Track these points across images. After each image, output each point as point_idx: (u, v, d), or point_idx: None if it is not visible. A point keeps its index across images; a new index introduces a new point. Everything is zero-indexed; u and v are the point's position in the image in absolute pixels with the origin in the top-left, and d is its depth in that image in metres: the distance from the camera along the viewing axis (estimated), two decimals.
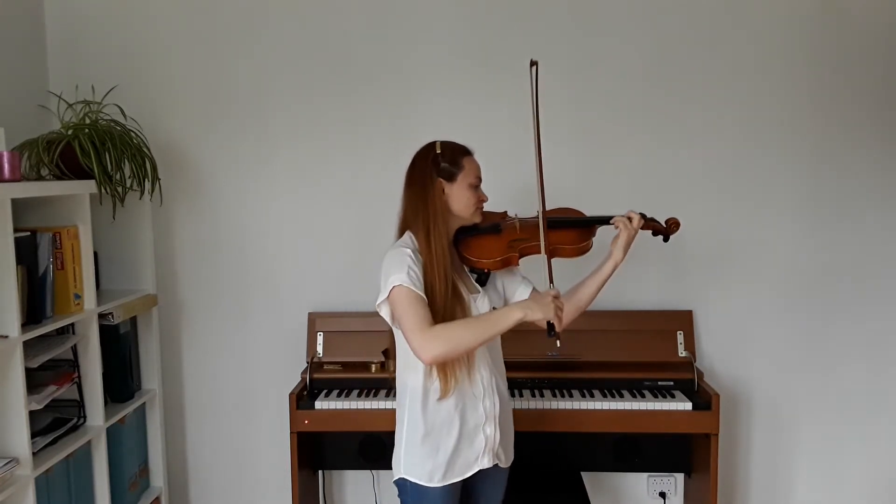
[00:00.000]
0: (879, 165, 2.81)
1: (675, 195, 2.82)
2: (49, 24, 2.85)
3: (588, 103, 2.82)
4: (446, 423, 1.86)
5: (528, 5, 2.79)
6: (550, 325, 1.76)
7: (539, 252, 1.88)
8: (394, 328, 1.90)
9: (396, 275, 1.78)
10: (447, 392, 1.83)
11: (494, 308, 1.93)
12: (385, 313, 1.85)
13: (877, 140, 2.80)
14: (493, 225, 1.96)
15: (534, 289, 2.02)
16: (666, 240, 2.05)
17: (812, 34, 2.76)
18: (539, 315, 1.75)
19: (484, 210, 1.95)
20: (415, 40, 2.82)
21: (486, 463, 1.91)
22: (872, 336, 2.88)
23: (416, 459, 1.88)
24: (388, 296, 1.79)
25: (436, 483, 1.86)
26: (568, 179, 2.82)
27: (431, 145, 1.90)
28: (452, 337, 1.74)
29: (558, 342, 1.79)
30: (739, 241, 2.86)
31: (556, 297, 1.77)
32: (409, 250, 1.83)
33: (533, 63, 1.87)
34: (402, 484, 1.92)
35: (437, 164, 1.86)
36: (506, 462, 1.99)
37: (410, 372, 1.88)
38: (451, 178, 1.87)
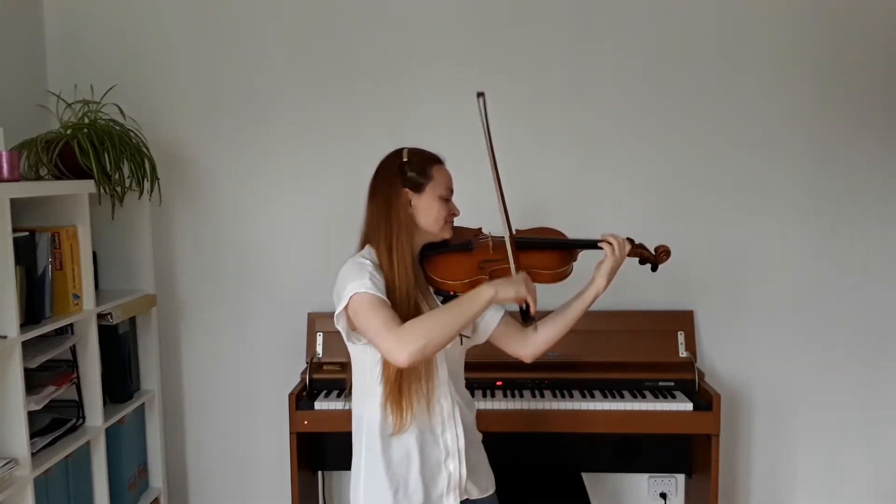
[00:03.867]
0: (879, 167, 2.80)
1: (676, 196, 2.82)
2: (48, 24, 2.85)
3: (586, 109, 2.81)
4: (405, 459, 1.71)
5: (527, 8, 2.79)
6: (525, 312, 1.65)
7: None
8: (351, 347, 1.73)
9: (356, 282, 1.61)
10: (402, 427, 1.67)
11: (463, 336, 1.79)
12: (342, 327, 1.68)
13: (876, 142, 2.79)
14: (464, 242, 1.77)
15: (505, 312, 1.87)
16: (654, 269, 1.88)
17: (811, 39, 2.76)
18: (511, 293, 1.60)
19: (456, 225, 1.79)
20: (415, 41, 2.81)
21: (451, 502, 1.75)
22: (873, 336, 2.87)
23: (377, 495, 1.72)
24: (347, 305, 1.62)
25: None
26: (564, 186, 2.84)
27: (398, 153, 1.75)
28: (426, 329, 1.55)
29: (535, 326, 1.72)
30: (740, 241, 2.85)
31: (528, 280, 1.65)
32: (368, 262, 1.67)
33: (480, 94, 1.70)
34: None
35: (404, 172, 1.70)
36: (481, 492, 1.83)
37: (366, 403, 1.73)
38: (418, 188, 1.71)
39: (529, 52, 2.80)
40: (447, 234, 1.76)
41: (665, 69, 2.79)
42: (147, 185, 2.64)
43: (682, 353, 2.73)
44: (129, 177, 2.59)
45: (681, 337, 2.75)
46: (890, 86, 2.77)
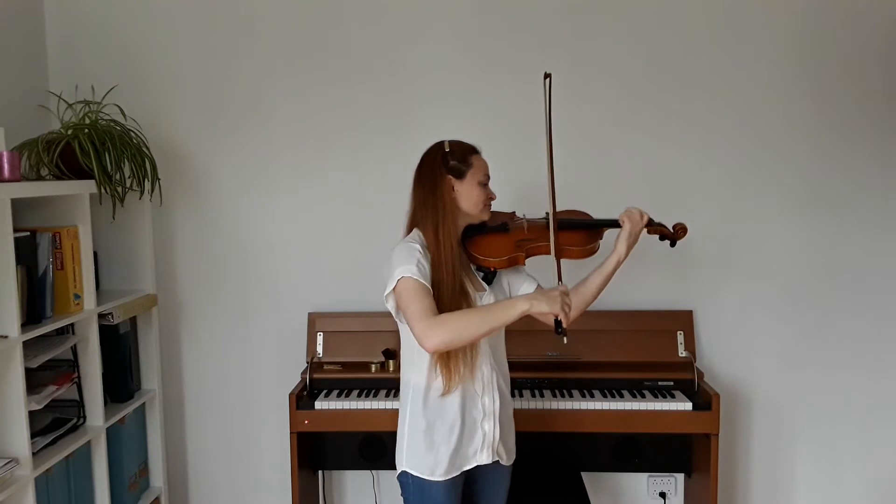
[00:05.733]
0: (879, 163, 2.81)
1: (676, 195, 2.82)
2: (49, 24, 2.85)
3: (588, 104, 2.82)
4: (447, 419, 1.88)
5: (528, 5, 2.79)
6: (558, 323, 1.77)
7: (546, 253, 1.91)
8: (399, 323, 1.91)
9: (404, 266, 1.80)
10: (450, 389, 1.86)
11: None
12: (391, 306, 1.87)
13: (876, 138, 2.80)
14: (502, 224, 1.98)
15: (538, 286, 2.03)
16: (673, 245, 2.07)
17: (811, 34, 2.76)
18: (545, 307, 1.75)
19: (493, 210, 1.97)
20: (415, 40, 2.82)
21: (484, 458, 1.92)
22: (873, 335, 2.87)
23: (417, 453, 1.90)
24: (395, 287, 1.80)
25: (437, 477, 1.88)
26: (568, 180, 2.80)
27: (440, 144, 1.93)
28: (456, 326, 1.74)
29: (565, 339, 1.79)
30: (740, 241, 2.86)
31: (565, 294, 1.78)
32: (417, 245, 1.85)
33: (546, 76, 1.91)
34: (404, 478, 1.94)
35: (447, 161, 1.89)
36: (507, 460, 2.00)
37: (413, 369, 1.91)
38: (460, 175, 1.90)
39: (531, 48, 2.80)
40: (486, 216, 1.96)
41: (664, 65, 2.79)
42: (148, 185, 2.64)
43: (682, 353, 2.73)
44: (129, 177, 2.59)
45: (680, 337, 2.75)
46: (890, 79, 2.77)
